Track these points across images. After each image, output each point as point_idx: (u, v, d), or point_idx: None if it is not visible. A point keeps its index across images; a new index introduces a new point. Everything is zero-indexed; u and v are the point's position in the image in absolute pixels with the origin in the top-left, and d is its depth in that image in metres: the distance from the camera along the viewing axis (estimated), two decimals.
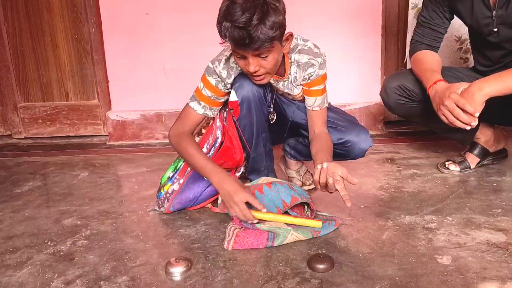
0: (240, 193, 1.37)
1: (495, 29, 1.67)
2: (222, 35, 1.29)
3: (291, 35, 1.38)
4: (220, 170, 1.44)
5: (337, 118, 1.63)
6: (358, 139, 1.59)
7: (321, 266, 1.21)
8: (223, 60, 1.46)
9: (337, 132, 1.59)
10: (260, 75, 1.37)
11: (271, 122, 1.61)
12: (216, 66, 1.46)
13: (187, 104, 1.54)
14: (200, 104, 1.51)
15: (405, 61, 2.45)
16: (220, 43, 1.35)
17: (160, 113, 2.56)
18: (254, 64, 1.33)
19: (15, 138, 2.71)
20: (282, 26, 1.30)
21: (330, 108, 1.66)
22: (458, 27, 2.27)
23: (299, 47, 1.50)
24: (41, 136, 2.70)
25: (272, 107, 1.59)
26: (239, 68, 1.44)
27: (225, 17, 1.27)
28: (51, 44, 2.57)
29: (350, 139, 1.59)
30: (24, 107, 2.66)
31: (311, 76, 1.50)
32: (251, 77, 1.41)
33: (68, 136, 2.69)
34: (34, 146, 2.59)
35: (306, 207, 1.51)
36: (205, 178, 1.49)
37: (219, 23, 1.29)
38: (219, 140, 1.59)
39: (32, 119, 2.67)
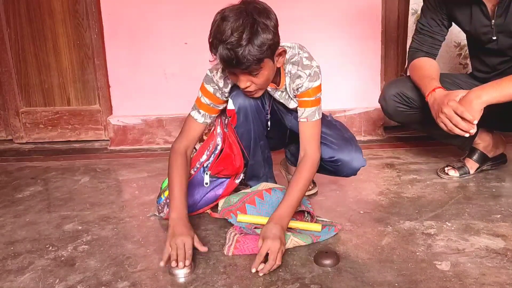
0: (184, 236, 1.29)
1: (494, 37, 1.68)
2: (212, 52, 1.29)
3: (284, 50, 1.37)
4: (182, 210, 1.38)
5: (332, 135, 1.58)
6: (349, 158, 1.56)
7: (327, 262, 1.26)
8: (220, 69, 1.45)
9: (329, 150, 1.56)
10: (251, 91, 1.38)
11: (267, 128, 1.60)
12: (214, 75, 1.47)
13: (189, 114, 1.54)
14: (200, 112, 1.51)
15: (405, 66, 2.45)
16: (210, 61, 1.35)
17: (161, 118, 2.57)
18: (244, 81, 1.33)
19: (17, 143, 2.72)
20: (273, 44, 1.28)
21: (328, 123, 1.63)
22: (457, 33, 2.27)
23: (294, 58, 1.45)
24: (42, 141, 2.71)
25: (269, 114, 1.58)
26: None
27: (215, 35, 1.26)
28: (53, 49, 2.58)
29: (340, 158, 1.56)
30: (25, 112, 2.67)
31: (300, 87, 1.45)
32: (243, 92, 1.42)
33: (70, 141, 2.70)
34: (36, 151, 2.60)
35: (306, 213, 1.52)
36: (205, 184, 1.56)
37: (210, 40, 1.29)
38: (219, 147, 1.60)
39: (34, 124, 2.68)
